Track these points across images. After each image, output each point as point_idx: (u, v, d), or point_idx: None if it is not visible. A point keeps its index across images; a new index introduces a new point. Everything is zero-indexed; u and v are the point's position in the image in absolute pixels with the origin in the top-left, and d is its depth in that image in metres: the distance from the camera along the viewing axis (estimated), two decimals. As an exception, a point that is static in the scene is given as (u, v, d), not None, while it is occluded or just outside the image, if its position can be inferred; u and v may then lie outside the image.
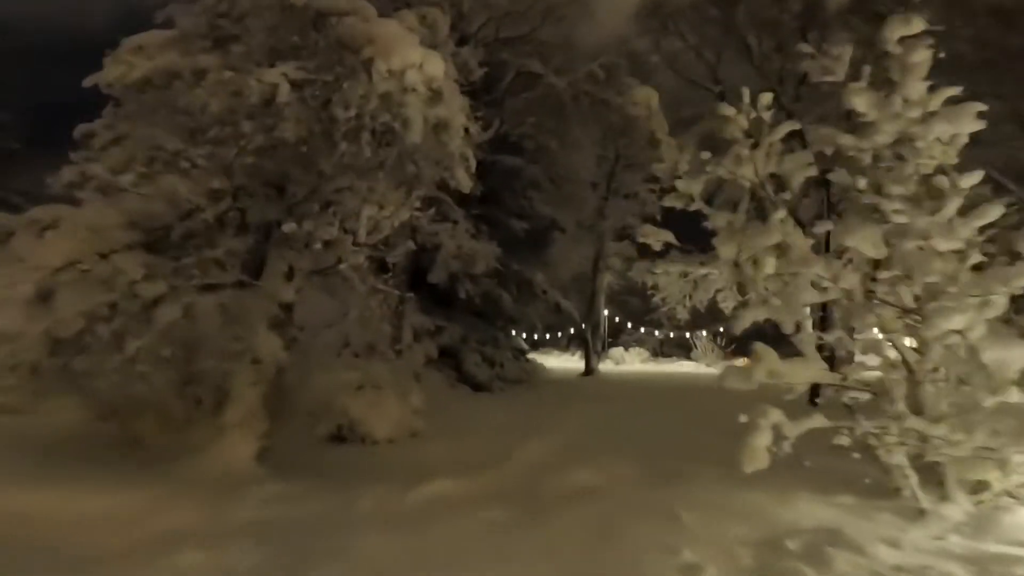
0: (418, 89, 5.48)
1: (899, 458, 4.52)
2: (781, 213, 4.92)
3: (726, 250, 5.19)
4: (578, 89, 13.61)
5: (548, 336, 28.66)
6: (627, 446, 6.65)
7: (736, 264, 5.27)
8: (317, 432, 7.02)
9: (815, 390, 9.71)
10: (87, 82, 5.73)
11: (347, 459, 6.47)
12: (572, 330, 28.62)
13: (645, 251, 24.51)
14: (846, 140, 4.87)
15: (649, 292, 25.67)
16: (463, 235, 10.57)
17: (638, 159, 20.83)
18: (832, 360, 13.11)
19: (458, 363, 13.95)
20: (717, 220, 5.34)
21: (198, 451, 5.52)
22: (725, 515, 4.47)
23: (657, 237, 5.41)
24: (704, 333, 28.49)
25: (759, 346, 4.38)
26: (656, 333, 31.35)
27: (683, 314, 24.83)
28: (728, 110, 4.86)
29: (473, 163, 6.28)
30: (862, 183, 4.79)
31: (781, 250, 4.90)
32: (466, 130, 6.30)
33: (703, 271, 24.71)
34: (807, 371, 4.18)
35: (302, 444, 6.67)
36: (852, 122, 5.13)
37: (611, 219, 21.81)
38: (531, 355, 22.38)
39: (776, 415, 3.99)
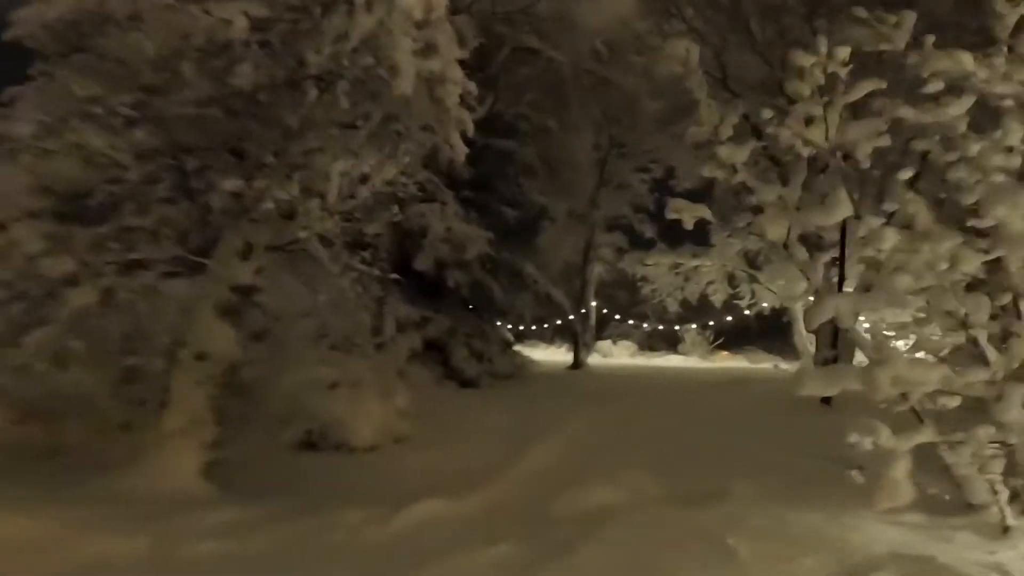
0: (409, 33, 4.54)
1: (992, 472, 3.74)
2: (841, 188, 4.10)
3: (775, 229, 4.36)
4: (580, 67, 12.65)
5: (534, 328, 27.89)
6: (643, 453, 5.80)
7: (786, 246, 4.45)
8: (283, 439, 6.04)
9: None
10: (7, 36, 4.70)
11: (319, 471, 5.50)
12: (559, 322, 27.80)
13: (637, 242, 23.92)
14: (924, 111, 4.06)
15: (639, 284, 25.04)
16: (453, 217, 9.59)
17: (633, 146, 20.06)
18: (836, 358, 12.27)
19: (445, 357, 13.02)
20: (765, 194, 4.48)
21: (135, 463, 4.54)
22: (784, 543, 3.65)
23: (691, 212, 4.55)
24: (693, 327, 27.90)
25: (883, 344, 3.50)
26: (644, 326, 30.68)
27: (673, 307, 24.21)
28: (804, 59, 3.98)
29: (470, 125, 5.35)
30: (952, 155, 3.96)
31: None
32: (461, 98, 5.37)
33: (695, 263, 24.14)
34: (933, 374, 3.31)
35: (265, 454, 5.70)
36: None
37: (603, 208, 20.97)
38: (516, 348, 21.61)
39: (885, 433, 3.13)
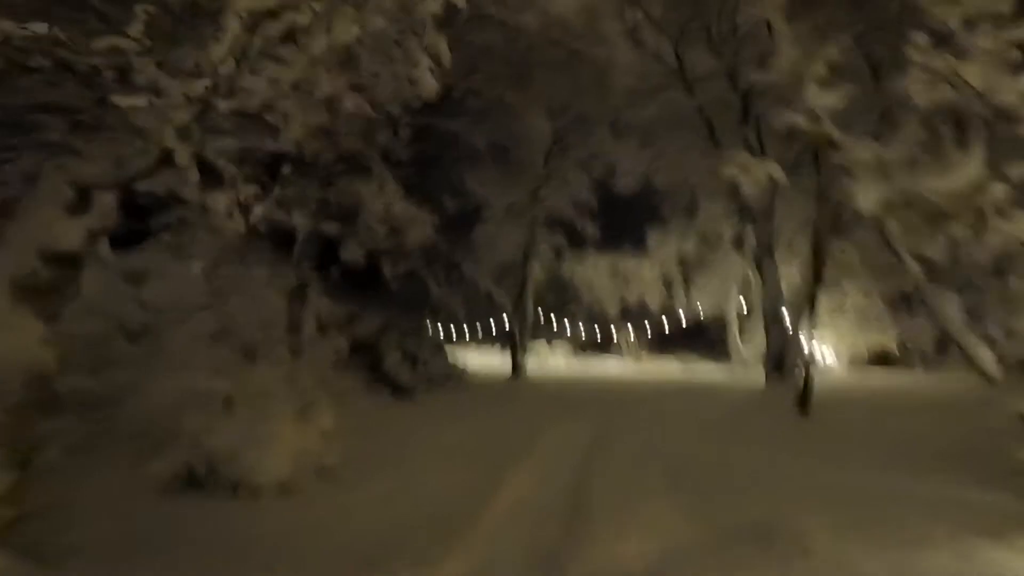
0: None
1: None
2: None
3: (867, 195, 3.26)
4: (547, 37, 11.30)
5: (466, 330, 26.40)
6: (650, 477, 4.55)
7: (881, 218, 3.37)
8: (149, 476, 4.22)
9: (804, 399, 8.42)
10: None
11: (201, 529, 3.74)
12: (493, 323, 26.51)
13: (576, 241, 23.04)
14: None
15: (577, 285, 24.22)
16: (393, 195, 7.98)
17: (581, 138, 19.07)
18: (781, 364, 11.70)
19: (375, 360, 11.32)
20: (859, 152, 3.34)
21: None
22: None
23: (761, 171, 3.35)
24: (631, 328, 27.46)
25: None
26: (580, 328, 29.99)
27: (612, 309, 23.57)
28: None
29: (447, 56, 3.91)
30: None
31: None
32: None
33: (634, 265, 23.63)
34: None
35: (116, 499, 3.92)
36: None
37: (547, 202, 19.86)
38: (449, 349, 20.17)
39: None
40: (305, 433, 5.10)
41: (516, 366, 19.39)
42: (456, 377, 13.28)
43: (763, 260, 12.58)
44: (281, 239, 8.67)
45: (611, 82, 13.46)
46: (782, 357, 11.79)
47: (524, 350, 20.30)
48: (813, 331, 21.96)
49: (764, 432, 6.58)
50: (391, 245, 8.33)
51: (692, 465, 4.79)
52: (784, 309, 12.32)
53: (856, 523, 3.47)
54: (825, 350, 22.84)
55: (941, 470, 4.55)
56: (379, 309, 11.77)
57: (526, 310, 20.66)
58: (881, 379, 16.74)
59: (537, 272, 22.15)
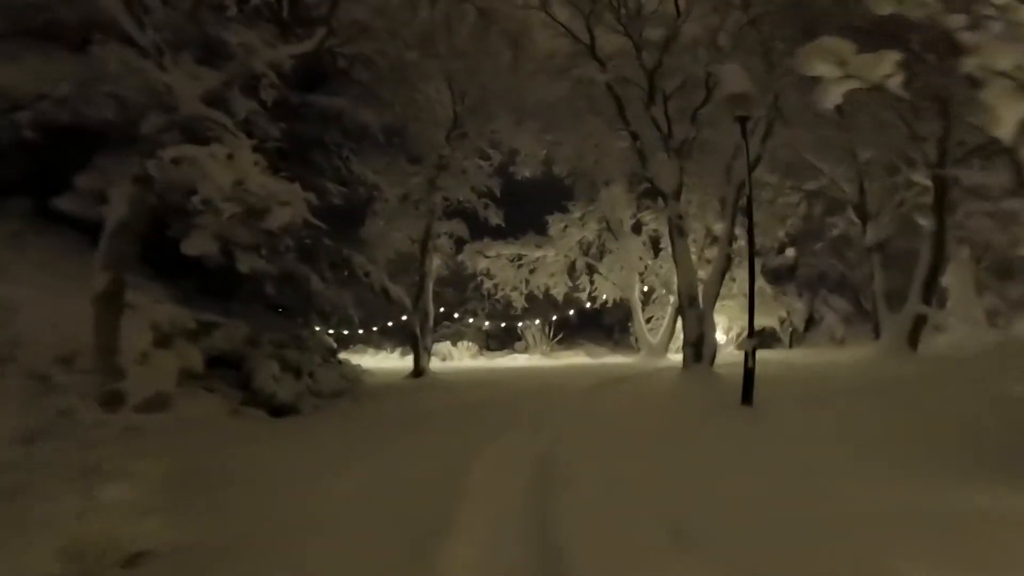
0: None
1: None
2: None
3: (1004, 120, 2.24)
4: None
5: (361, 331, 24.16)
6: (644, 527, 3.29)
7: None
8: None
9: (748, 390, 7.71)
10: None
11: None
12: (392, 323, 24.60)
13: (478, 231, 21.67)
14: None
15: (480, 278, 22.95)
16: (248, 165, 6.14)
17: (482, 120, 17.74)
18: (699, 350, 11.14)
19: (245, 376, 9.33)
20: (995, 58, 2.29)
21: None
22: None
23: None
24: (536, 322, 26.69)
25: None
26: (486, 324, 28.79)
27: (519, 301, 22.60)
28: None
29: None
30: None
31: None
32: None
33: (538, 254, 22.76)
34: None
35: None
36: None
37: (445, 190, 18.36)
38: (343, 356, 18.29)
39: None
40: (99, 508, 3.35)
41: (419, 369, 17.80)
42: (351, 386, 11.51)
43: (676, 241, 12.01)
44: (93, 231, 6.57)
45: (520, 55, 12.32)
46: (700, 343, 11.26)
47: (428, 351, 18.76)
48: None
49: (736, 435, 5.63)
50: (250, 233, 6.49)
51: (690, 499, 3.61)
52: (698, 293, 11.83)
53: (951, 549, 2.47)
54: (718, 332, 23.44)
55: (971, 468, 3.76)
56: (247, 315, 9.76)
57: (427, 307, 19.10)
58: (777, 357, 17.04)
59: (437, 266, 20.69)
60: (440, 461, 4.79)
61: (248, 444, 6.32)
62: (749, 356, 7.13)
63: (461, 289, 28.97)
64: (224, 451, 5.73)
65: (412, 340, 18.27)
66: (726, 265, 12.35)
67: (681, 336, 22.55)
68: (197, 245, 6.90)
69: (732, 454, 4.69)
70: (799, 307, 28.28)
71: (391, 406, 10.64)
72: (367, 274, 13.15)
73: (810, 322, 29.15)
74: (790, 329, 27.35)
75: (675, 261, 12.22)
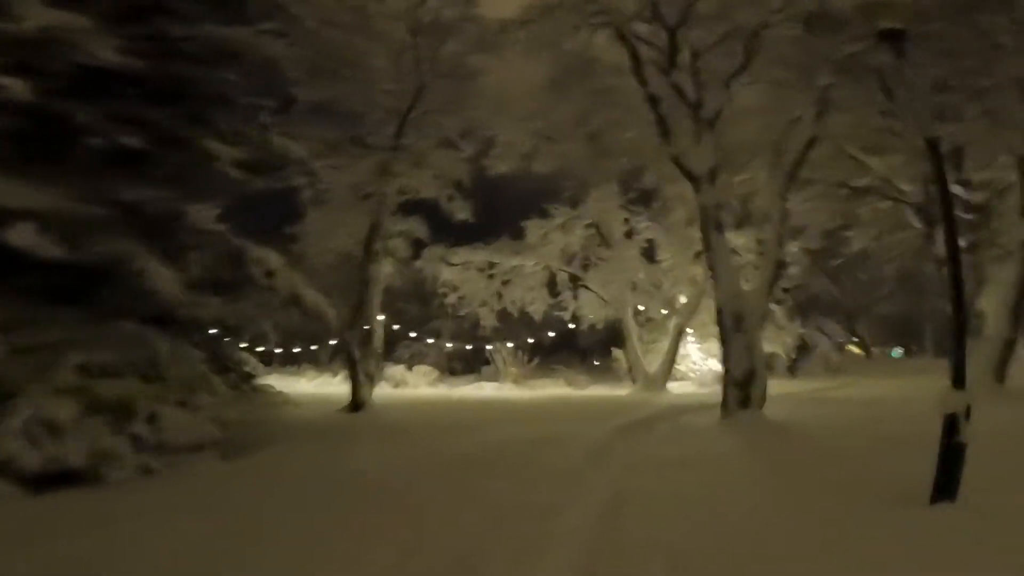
0: None
1: None
2: None
3: None
4: None
5: (299, 350, 20.00)
6: None
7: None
8: None
9: (950, 474, 4.15)
10: None
11: None
12: (335, 341, 20.48)
13: (443, 233, 17.76)
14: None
15: (441, 290, 19.14)
16: None
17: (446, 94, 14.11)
18: (748, 391, 7.54)
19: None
20: None
21: None
22: None
23: None
24: (510, 345, 22.81)
25: None
26: (448, 346, 24.79)
27: (490, 320, 18.77)
28: None
29: None
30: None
31: None
32: None
33: (513, 262, 19.04)
34: None
35: None
36: None
37: (400, 178, 14.55)
38: (262, 379, 14.32)
39: None
40: None
41: (358, 401, 13.81)
42: (216, 441, 7.46)
43: (713, 240, 8.46)
44: None
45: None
46: (749, 381, 7.65)
47: (371, 378, 14.81)
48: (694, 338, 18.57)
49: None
50: None
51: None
52: (744, 310, 8.23)
53: None
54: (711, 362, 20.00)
55: None
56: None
57: (371, 323, 15.19)
58: (812, 392, 13.54)
59: (389, 273, 16.84)
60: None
61: None
62: (958, 422, 3.47)
63: (425, 303, 25.07)
64: None
65: (349, 364, 14.30)
66: (775, 274, 8.83)
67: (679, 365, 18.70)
68: None
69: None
70: (801, 332, 25.61)
71: (291, 467, 6.71)
72: (269, 274, 9.24)
73: (801, 349, 27.06)
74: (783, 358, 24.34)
75: (711, 268, 8.66)
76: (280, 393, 15.81)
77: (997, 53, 9.08)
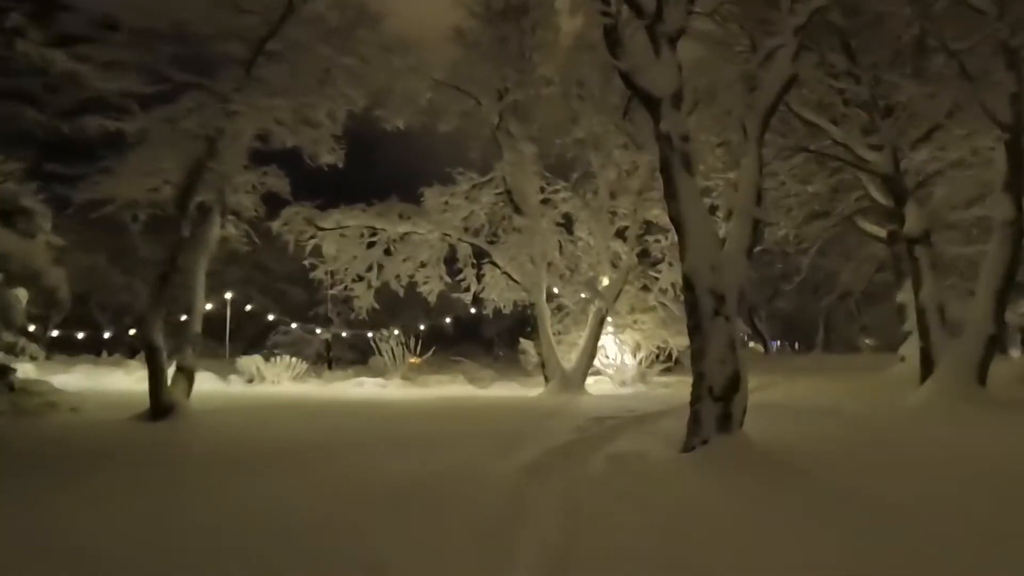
0: None
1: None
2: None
3: None
4: None
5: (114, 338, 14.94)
6: None
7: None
8: None
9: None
10: None
11: None
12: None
13: (304, 187, 13.42)
14: None
15: (307, 262, 15.05)
16: None
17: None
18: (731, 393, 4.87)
19: None
20: None
21: None
22: None
23: None
24: (397, 332, 19.03)
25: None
26: (327, 336, 20.56)
27: (368, 300, 14.89)
28: None
29: None
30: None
31: None
32: None
33: (403, 229, 15.18)
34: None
35: None
36: None
37: (245, 115, 10.31)
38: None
39: None
40: None
41: (161, 405, 9.66)
42: None
43: (680, 182, 5.43)
44: None
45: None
46: (731, 391, 4.67)
47: (187, 375, 10.63)
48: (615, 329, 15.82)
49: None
50: None
51: None
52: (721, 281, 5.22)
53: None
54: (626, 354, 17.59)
55: None
56: None
57: (191, 301, 11.02)
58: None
59: (230, 235, 12.62)
60: None
61: None
62: None
63: (313, 288, 20.82)
64: None
65: (148, 355, 10.09)
66: (752, 240, 5.97)
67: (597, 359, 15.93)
68: None
69: None
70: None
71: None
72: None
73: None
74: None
75: (676, 222, 5.64)
76: (55, 392, 11.44)
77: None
